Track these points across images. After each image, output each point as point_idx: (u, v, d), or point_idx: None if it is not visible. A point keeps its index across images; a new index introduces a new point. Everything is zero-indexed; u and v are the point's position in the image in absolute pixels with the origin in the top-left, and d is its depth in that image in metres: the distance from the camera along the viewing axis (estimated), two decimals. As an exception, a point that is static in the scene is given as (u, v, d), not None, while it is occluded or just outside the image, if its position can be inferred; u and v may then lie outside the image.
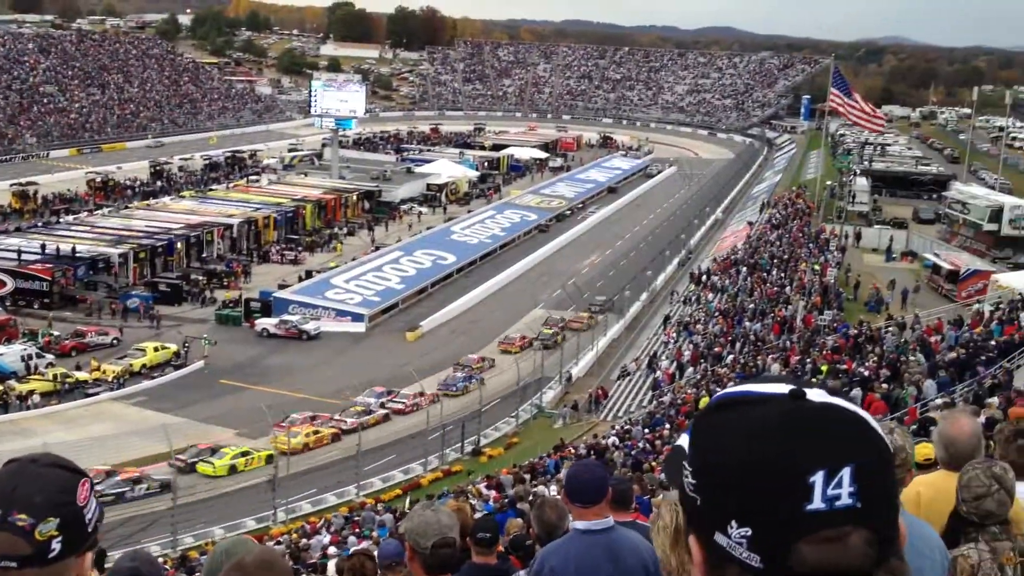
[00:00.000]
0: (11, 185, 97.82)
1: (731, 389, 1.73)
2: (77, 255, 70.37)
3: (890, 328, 42.05)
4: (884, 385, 31.58)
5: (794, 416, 1.59)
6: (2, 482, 2.41)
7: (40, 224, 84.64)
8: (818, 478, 1.53)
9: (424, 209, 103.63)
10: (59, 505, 2.40)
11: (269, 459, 43.93)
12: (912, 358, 35.24)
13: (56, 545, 2.38)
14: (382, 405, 52.78)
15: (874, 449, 1.59)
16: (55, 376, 53.12)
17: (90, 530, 2.48)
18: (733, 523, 1.57)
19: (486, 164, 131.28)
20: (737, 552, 1.58)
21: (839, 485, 1.53)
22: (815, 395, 1.63)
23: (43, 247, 71.48)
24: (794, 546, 1.54)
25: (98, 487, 42.46)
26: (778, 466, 1.55)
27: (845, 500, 1.53)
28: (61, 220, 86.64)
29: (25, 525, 2.35)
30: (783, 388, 1.64)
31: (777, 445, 1.56)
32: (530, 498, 25.34)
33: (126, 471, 42.77)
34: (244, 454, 46.14)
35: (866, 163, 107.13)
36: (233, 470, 45.30)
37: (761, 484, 1.55)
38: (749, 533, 1.56)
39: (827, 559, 1.53)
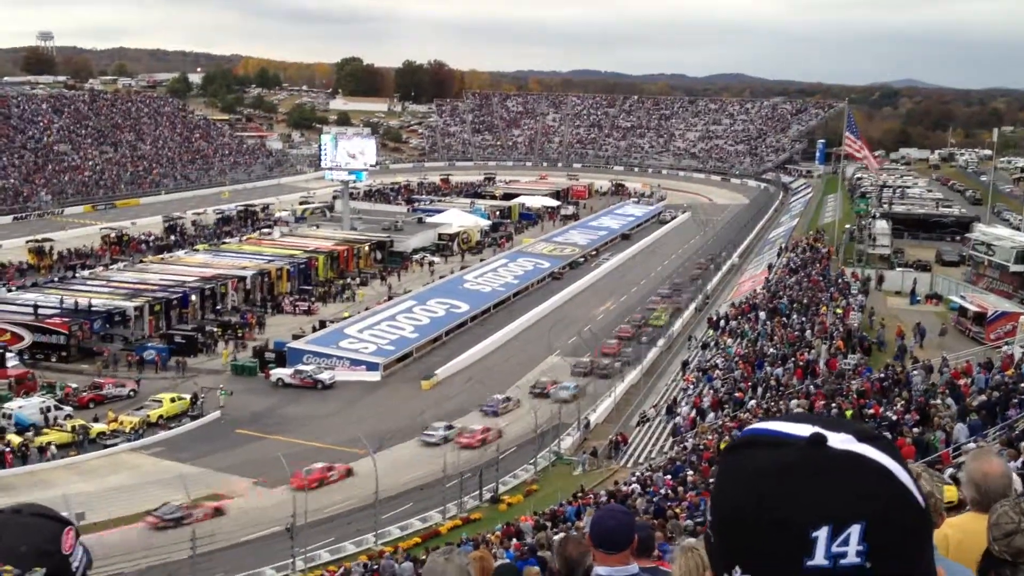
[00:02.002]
0: (27, 242, 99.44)
1: (757, 426, 1.64)
2: (93, 309, 70.52)
3: (916, 371, 41.43)
4: (914, 430, 30.98)
5: (806, 464, 1.51)
6: None
7: (56, 279, 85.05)
8: (822, 533, 1.45)
9: (436, 259, 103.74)
10: (45, 555, 2.41)
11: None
12: (941, 402, 34.56)
13: None
14: None
15: (896, 505, 1.52)
16: (73, 428, 53.04)
17: None
18: (737, 568, 1.52)
19: (497, 213, 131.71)
20: None
21: (846, 542, 1.45)
22: (839, 440, 1.55)
23: (60, 301, 71.67)
24: None
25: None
26: (779, 516, 1.47)
27: (852, 559, 1.45)
28: (77, 275, 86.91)
29: None
30: (807, 430, 1.56)
31: (782, 494, 1.49)
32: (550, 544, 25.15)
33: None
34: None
35: (885, 206, 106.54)
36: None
37: (762, 533, 1.49)
38: None
39: None
